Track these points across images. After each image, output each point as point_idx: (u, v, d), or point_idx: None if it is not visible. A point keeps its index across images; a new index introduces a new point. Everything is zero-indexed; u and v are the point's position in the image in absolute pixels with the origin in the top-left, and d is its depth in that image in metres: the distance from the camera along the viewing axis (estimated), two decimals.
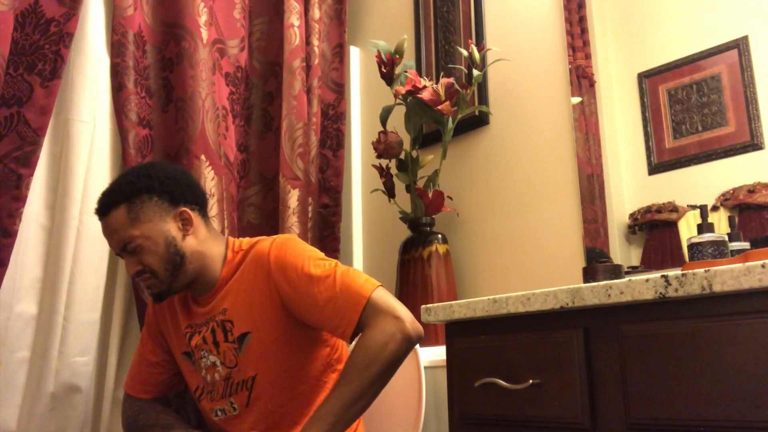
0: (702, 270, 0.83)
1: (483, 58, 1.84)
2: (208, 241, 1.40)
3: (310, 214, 2.03)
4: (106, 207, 1.35)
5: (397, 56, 1.87)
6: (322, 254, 1.37)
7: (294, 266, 1.31)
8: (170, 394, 1.57)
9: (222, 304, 1.37)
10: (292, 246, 1.35)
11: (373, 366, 1.19)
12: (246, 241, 1.42)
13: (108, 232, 1.35)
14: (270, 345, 1.32)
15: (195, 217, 1.39)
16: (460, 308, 1.14)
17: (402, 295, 1.81)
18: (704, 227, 1.17)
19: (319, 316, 1.28)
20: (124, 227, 1.32)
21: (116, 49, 1.75)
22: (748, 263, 0.79)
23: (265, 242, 1.37)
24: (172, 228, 1.35)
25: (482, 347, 1.11)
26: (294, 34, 2.07)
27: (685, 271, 0.84)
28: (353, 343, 1.27)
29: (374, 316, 1.23)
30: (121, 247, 1.34)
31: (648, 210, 1.51)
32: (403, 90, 1.81)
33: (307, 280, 1.28)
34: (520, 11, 1.87)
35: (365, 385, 1.19)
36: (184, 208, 1.37)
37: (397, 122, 1.96)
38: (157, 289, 1.36)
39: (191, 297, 1.44)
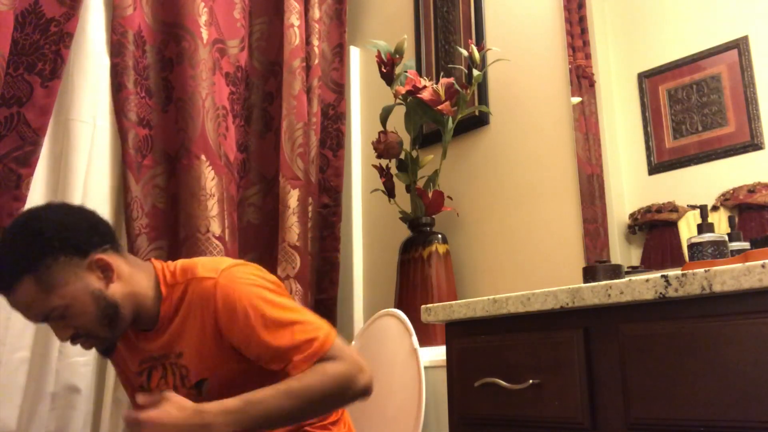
0: (702, 270, 0.83)
1: (483, 58, 1.84)
2: (133, 276, 1.23)
3: (310, 214, 2.03)
4: (7, 281, 1.15)
5: (397, 56, 1.87)
6: (273, 286, 1.23)
7: (245, 314, 1.17)
8: None
9: (175, 347, 1.24)
10: (239, 288, 1.20)
11: (324, 390, 1.13)
12: (179, 269, 1.26)
13: (21, 307, 1.18)
14: (230, 384, 1.21)
15: (111, 258, 1.21)
16: (460, 308, 1.14)
17: (402, 295, 1.81)
18: (704, 227, 1.17)
19: (270, 362, 1.18)
20: (40, 299, 1.15)
21: (116, 49, 1.75)
22: (748, 263, 0.79)
23: (207, 282, 1.21)
24: (93, 281, 1.18)
25: (482, 347, 1.11)
26: (294, 34, 2.07)
27: (685, 271, 0.84)
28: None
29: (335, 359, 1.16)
30: (44, 318, 1.18)
31: (648, 210, 1.51)
32: (403, 90, 1.81)
33: (261, 328, 1.17)
34: (520, 11, 1.87)
35: (304, 404, 1.13)
36: (98, 256, 1.19)
37: (397, 122, 1.96)
38: (101, 347, 1.25)
39: (134, 334, 1.30)
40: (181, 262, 1.28)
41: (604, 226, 1.58)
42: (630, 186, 1.56)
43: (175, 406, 1.10)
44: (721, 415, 0.80)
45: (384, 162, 1.95)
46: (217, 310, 1.19)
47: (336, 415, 1.32)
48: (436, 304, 1.18)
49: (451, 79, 1.81)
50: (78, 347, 1.55)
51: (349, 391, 1.15)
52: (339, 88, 2.23)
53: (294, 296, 1.90)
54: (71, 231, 1.18)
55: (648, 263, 1.49)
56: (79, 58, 1.73)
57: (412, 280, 1.79)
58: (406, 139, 1.93)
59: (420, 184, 1.89)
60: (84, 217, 1.23)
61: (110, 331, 1.20)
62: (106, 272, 1.20)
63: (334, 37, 2.26)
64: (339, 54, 2.25)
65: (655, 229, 1.50)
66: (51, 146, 1.68)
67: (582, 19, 1.70)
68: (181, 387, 1.24)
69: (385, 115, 1.93)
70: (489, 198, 1.87)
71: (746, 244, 1.20)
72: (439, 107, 1.77)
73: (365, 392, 1.17)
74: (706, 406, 0.81)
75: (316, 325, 1.18)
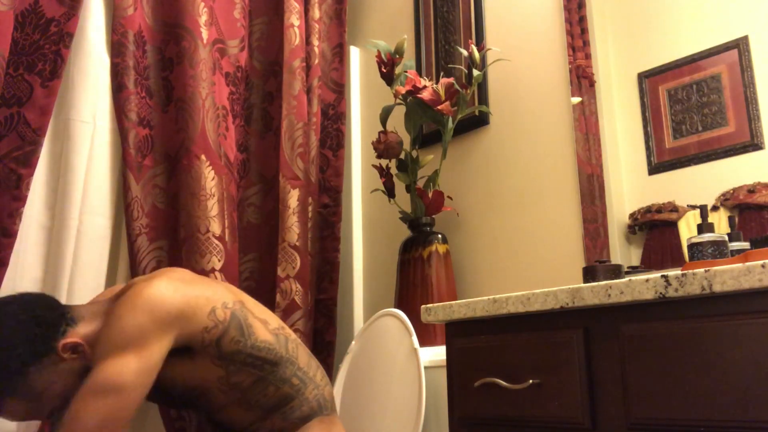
0: (702, 270, 0.83)
1: (483, 58, 1.84)
2: (100, 330, 1.21)
3: (310, 214, 2.03)
4: None
5: (397, 56, 1.87)
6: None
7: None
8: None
9: None
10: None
11: None
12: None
13: (25, 419, 1.21)
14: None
15: (73, 334, 1.21)
16: (460, 308, 1.14)
17: (402, 295, 1.81)
18: (704, 227, 1.17)
19: None
20: (37, 407, 1.19)
21: (116, 49, 1.75)
22: (748, 263, 0.79)
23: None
24: (72, 364, 1.19)
25: (482, 347, 1.11)
26: (294, 34, 2.07)
27: (685, 271, 0.84)
28: None
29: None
30: (50, 415, 1.22)
31: (648, 210, 1.51)
32: (403, 90, 1.81)
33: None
34: (520, 11, 1.87)
35: None
36: (61, 343, 1.19)
37: (397, 122, 1.96)
38: None
39: None
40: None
41: (604, 226, 1.58)
42: (630, 186, 1.56)
43: None
44: (721, 414, 0.80)
45: (384, 162, 1.95)
46: None
47: None
48: (436, 304, 1.18)
49: (451, 79, 1.81)
50: None
51: None
52: (339, 88, 2.23)
53: (294, 296, 1.90)
54: (23, 343, 1.15)
55: (648, 263, 1.49)
56: (79, 58, 1.73)
57: (412, 280, 1.79)
58: (406, 139, 1.93)
59: (420, 184, 1.89)
60: (26, 316, 1.18)
61: None
62: (77, 350, 1.19)
63: (334, 37, 2.26)
64: (339, 54, 2.25)
65: (655, 229, 1.50)
66: (51, 146, 1.68)
67: (582, 19, 1.70)
68: None
69: (385, 115, 1.93)
70: (489, 198, 1.87)
71: (746, 244, 1.20)
72: (439, 107, 1.77)
73: None
74: (706, 406, 0.81)
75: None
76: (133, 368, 1.11)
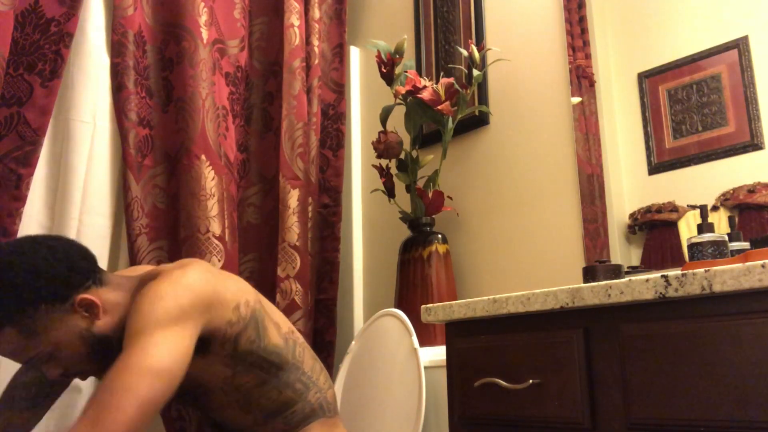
0: (702, 270, 0.83)
1: (483, 58, 1.84)
2: (118, 303, 1.20)
3: (310, 214, 2.03)
4: None
5: (397, 56, 1.87)
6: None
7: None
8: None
9: None
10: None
11: None
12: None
13: (6, 354, 1.16)
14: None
15: (94, 293, 1.18)
16: (460, 308, 1.14)
17: (402, 295, 1.81)
18: (704, 227, 1.17)
19: None
20: (24, 346, 1.13)
21: (116, 49, 1.75)
22: (748, 263, 0.79)
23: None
24: (79, 321, 1.15)
25: (482, 347, 1.11)
26: (294, 34, 2.07)
27: (685, 271, 0.84)
28: None
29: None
30: (29, 360, 1.17)
31: (648, 210, 1.51)
32: (403, 90, 1.81)
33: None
34: (520, 11, 1.87)
35: None
36: (80, 296, 1.16)
37: (397, 122, 1.96)
38: (97, 376, 1.24)
39: None
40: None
41: (604, 226, 1.58)
42: (630, 186, 1.56)
43: None
44: (721, 415, 0.80)
45: (384, 162, 1.95)
46: None
47: None
48: (436, 304, 1.18)
49: (451, 79, 1.81)
50: None
51: None
52: (339, 88, 2.23)
53: (294, 296, 1.90)
54: (48, 279, 1.13)
55: (648, 263, 1.49)
56: (79, 58, 1.73)
57: (412, 280, 1.79)
58: (406, 139, 1.93)
59: (420, 184, 1.89)
60: (62, 256, 1.17)
61: (104, 361, 1.13)
62: (91, 310, 1.17)
63: (334, 37, 2.26)
64: (339, 54, 2.25)
65: (655, 229, 1.50)
66: (51, 146, 1.68)
67: (582, 19, 1.70)
68: None
69: (385, 115, 1.93)
70: (489, 198, 1.87)
71: (746, 244, 1.20)
72: (439, 107, 1.77)
73: None
74: (707, 406, 0.81)
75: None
76: (173, 348, 1.08)
